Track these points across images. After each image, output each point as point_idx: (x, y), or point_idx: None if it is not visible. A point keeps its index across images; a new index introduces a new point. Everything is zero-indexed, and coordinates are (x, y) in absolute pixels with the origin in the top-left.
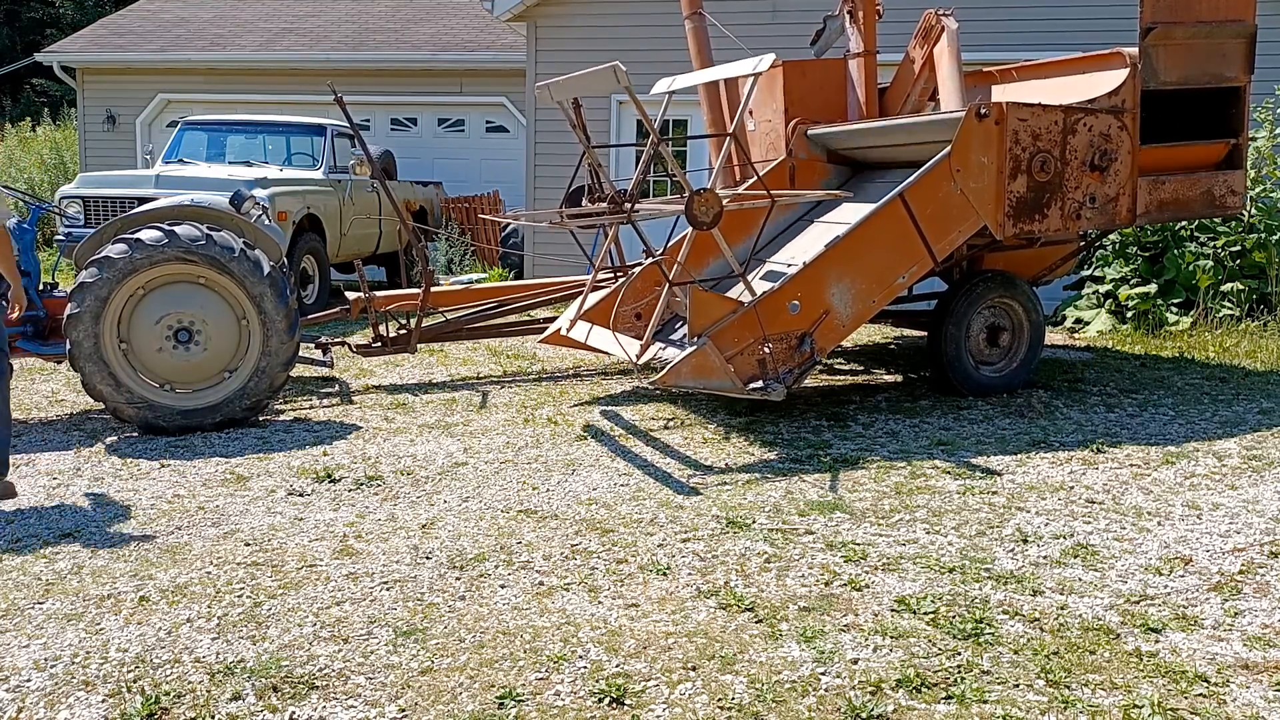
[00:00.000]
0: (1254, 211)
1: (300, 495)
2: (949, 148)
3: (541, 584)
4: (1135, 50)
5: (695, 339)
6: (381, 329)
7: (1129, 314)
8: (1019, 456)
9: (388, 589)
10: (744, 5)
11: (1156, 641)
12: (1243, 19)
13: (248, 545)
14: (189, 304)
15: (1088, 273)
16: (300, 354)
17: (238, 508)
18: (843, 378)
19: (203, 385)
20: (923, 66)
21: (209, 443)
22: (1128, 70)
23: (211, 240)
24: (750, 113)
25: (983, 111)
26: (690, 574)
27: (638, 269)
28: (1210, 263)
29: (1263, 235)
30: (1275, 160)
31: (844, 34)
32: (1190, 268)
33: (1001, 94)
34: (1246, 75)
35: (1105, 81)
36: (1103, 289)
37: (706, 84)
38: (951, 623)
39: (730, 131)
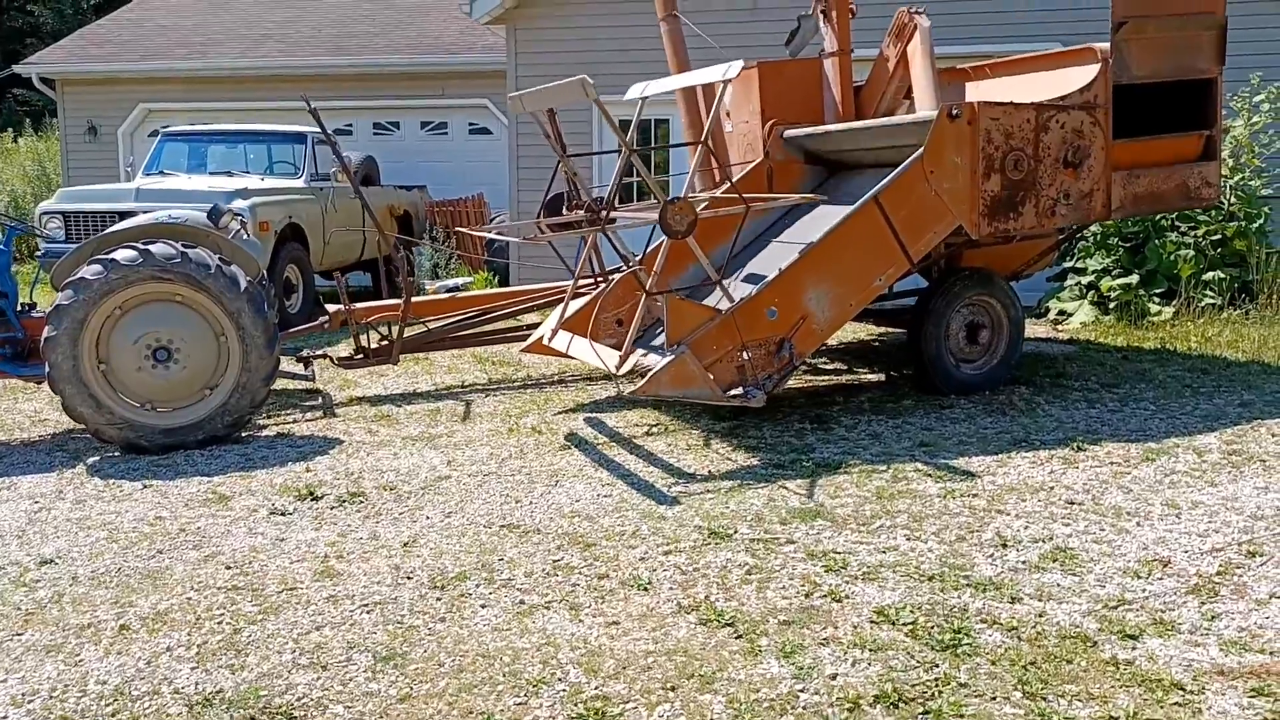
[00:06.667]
0: (1234, 200)
1: (282, 514)
2: (922, 149)
3: (522, 602)
4: (1106, 45)
5: (674, 347)
6: (364, 339)
7: (1111, 305)
8: (1000, 457)
9: (368, 612)
10: (723, 4)
11: (1133, 649)
12: (1213, 11)
13: (228, 568)
14: (167, 323)
15: (1070, 264)
16: (282, 368)
17: (219, 529)
18: (826, 378)
19: (184, 403)
20: (897, 65)
21: (191, 461)
22: (1099, 65)
23: (187, 258)
24: (727, 114)
25: (954, 112)
26: (671, 588)
27: (617, 276)
28: (1191, 252)
29: (1243, 223)
30: (1253, 148)
31: (818, 33)
32: (1171, 257)
33: (975, 91)
34: (1218, 67)
35: (1077, 77)
36: (1085, 280)
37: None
38: (930, 633)
39: (703, 139)
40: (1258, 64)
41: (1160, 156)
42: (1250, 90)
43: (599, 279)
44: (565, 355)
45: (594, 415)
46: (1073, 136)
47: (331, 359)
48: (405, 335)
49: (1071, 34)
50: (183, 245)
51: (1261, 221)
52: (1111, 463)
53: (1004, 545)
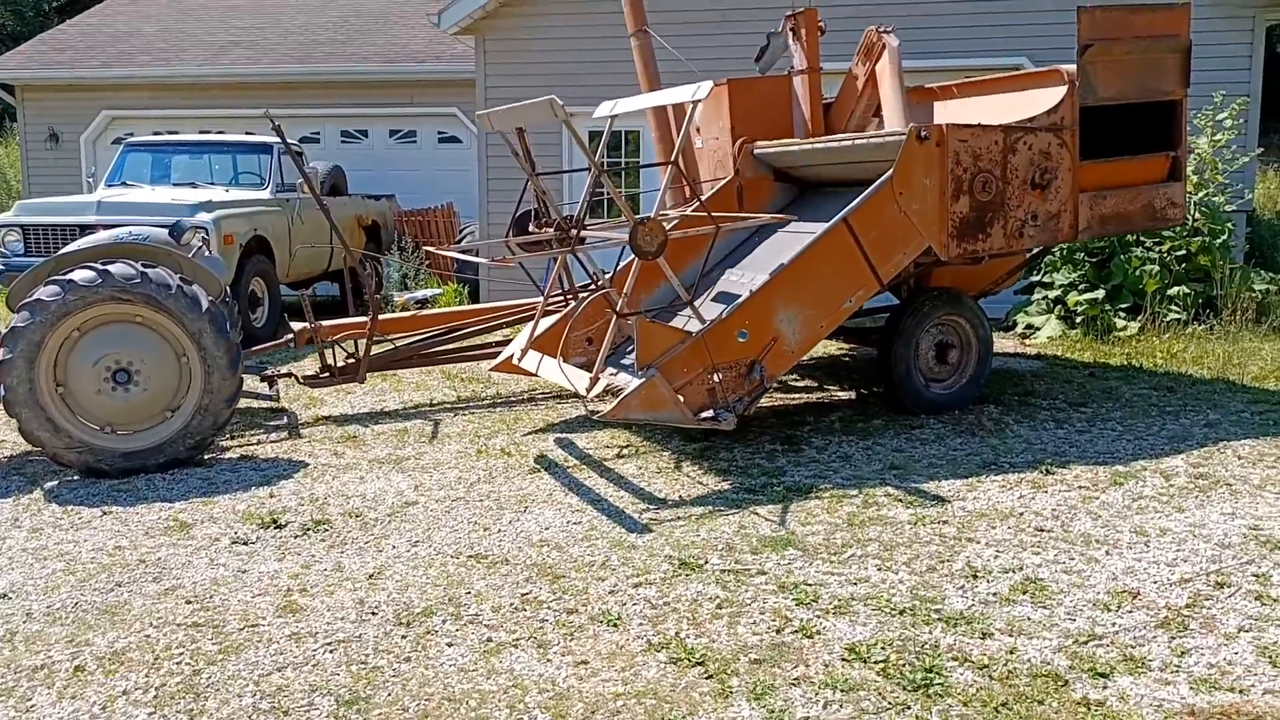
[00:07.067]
0: (1198, 215)
1: (245, 544)
2: (891, 171)
3: (489, 640)
4: (1073, 68)
5: (644, 370)
6: (330, 357)
7: (1078, 320)
8: (969, 480)
9: (331, 651)
10: (692, 18)
11: (1104, 687)
12: (1177, 34)
13: (189, 603)
14: (126, 344)
15: (1037, 278)
16: (246, 387)
17: (180, 559)
18: (797, 395)
19: (144, 426)
20: (865, 83)
21: (152, 485)
22: (1066, 88)
23: (147, 278)
24: (697, 130)
25: (923, 134)
26: (641, 624)
27: (586, 295)
28: (1156, 267)
29: (1207, 239)
30: (1217, 164)
31: (788, 50)
32: (1137, 273)
33: (943, 112)
34: (1183, 89)
35: (1044, 99)
36: (1052, 295)
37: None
38: (901, 672)
39: (673, 160)
40: (1220, 80)
41: (1127, 178)
42: (1214, 107)
43: (569, 296)
44: (534, 375)
45: (564, 435)
46: (1040, 158)
47: (297, 378)
48: (372, 353)
49: (1041, 49)
50: (143, 265)
51: (1225, 237)
52: (1080, 487)
53: (974, 576)
